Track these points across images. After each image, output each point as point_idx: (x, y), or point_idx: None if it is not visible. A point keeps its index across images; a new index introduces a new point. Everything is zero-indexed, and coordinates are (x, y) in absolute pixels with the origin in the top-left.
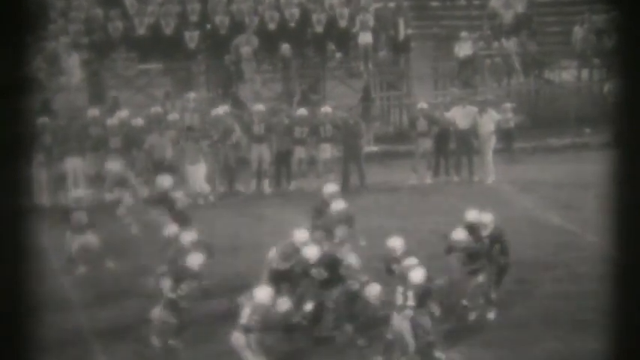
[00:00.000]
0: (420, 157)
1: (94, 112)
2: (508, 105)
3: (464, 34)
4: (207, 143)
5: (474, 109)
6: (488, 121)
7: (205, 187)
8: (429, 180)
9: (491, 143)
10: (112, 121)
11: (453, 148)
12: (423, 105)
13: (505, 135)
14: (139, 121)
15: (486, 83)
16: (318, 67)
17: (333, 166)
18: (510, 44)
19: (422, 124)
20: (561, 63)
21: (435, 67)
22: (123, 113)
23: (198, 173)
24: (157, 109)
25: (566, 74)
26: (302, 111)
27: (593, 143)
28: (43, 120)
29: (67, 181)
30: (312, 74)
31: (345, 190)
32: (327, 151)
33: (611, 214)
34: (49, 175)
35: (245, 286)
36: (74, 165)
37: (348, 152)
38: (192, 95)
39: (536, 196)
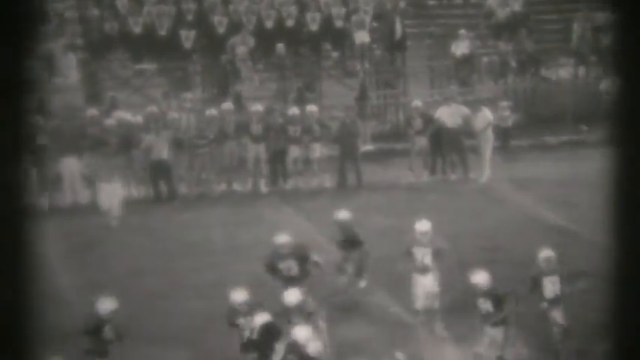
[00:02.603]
0: (416, 155)
1: (92, 112)
2: (505, 103)
3: (462, 32)
4: (203, 142)
5: (462, 107)
6: (482, 120)
7: (116, 208)
8: (425, 178)
9: (489, 142)
10: (110, 121)
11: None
12: (417, 103)
13: (502, 133)
14: (138, 119)
15: (483, 81)
16: (314, 66)
17: (328, 165)
18: (507, 42)
19: (417, 123)
20: (558, 60)
21: (431, 65)
22: (121, 113)
23: (113, 192)
24: (153, 109)
25: (563, 72)
26: (294, 110)
27: (590, 141)
28: (38, 120)
29: (63, 181)
30: (308, 73)
31: (342, 189)
32: (317, 151)
33: (611, 214)
34: (42, 175)
35: (242, 284)
36: (70, 165)
37: (345, 151)
38: (189, 95)
39: (533, 194)
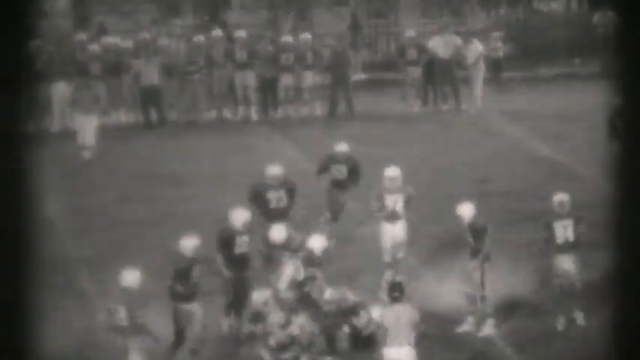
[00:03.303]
0: (410, 85)
1: (80, 37)
2: (497, 34)
3: None
4: (193, 69)
5: (456, 38)
6: (474, 52)
7: (91, 141)
8: (417, 109)
9: (480, 73)
10: (94, 47)
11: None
12: (411, 33)
13: (493, 64)
14: (128, 44)
15: (475, 13)
16: None
17: (320, 94)
18: None
19: (411, 53)
20: None
21: None
22: (110, 39)
23: (89, 123)
24: (144, 35)
25: (556, 4)
26: (287, 37)
27: (582, 73)
28: (34, 44)
29: (52, 107)
30: (299, 1)
31: (333, 118)
32: (309, 79)
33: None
34: (33, 100)
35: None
36: (60, 91)
37: (336, 80)
38: (178, 22)
39: (525, 126)
